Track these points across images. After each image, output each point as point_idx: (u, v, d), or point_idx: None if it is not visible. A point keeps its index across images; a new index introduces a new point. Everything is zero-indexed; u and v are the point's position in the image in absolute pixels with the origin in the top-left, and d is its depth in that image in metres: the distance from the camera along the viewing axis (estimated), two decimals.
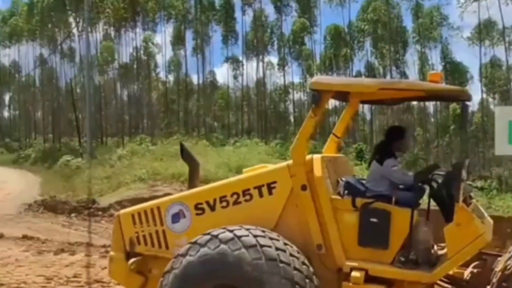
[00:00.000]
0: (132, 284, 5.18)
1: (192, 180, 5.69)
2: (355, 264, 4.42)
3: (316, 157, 4.77)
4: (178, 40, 55.99)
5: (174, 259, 4.49)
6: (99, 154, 29.97)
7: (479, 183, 27.24)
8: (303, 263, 4.35)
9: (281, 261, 4.19)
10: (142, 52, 56.35)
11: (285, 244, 4.37)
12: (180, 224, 4.99)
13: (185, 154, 5.90)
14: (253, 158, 20.58)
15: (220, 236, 4.32)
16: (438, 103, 53.56)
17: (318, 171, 4.65)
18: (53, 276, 7.87)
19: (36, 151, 44.43)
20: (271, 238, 4.35)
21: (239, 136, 44.74)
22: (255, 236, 4.30)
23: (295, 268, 4.23)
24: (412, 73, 53.08)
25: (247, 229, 4.39)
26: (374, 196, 4.61)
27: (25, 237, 11.36)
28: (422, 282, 4.40)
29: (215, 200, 4.88)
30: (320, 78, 5.36)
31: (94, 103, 40.27)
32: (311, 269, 4.38)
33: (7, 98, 68.20)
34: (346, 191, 4.69)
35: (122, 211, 5.49)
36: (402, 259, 4.43)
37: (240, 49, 56.25)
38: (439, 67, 50.98)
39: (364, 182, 4.97)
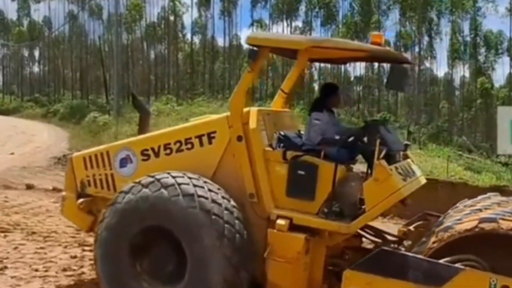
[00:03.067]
0: (82, 222, 5.58)
1: (142, 127, 5.87)
2: (281, 212, 4.59)
3: (253, 109, 4.90)
4: (204, 1, 55.27)
5: (118, 194, 4.77)
6: (125, 112, 30.19)
7: (502, 159, 26.83)
8: (223, 197, 4.58)
9: (199, 196, 4.46)
10: (169, 12, 55.85)
11: (205, 182, 4.64)
12: (127, 169, 5.25)
13: (137, 103, 6.12)
14: None
15: (162, 180, 4.58)
16: (466, 76, 52.33)
17: (253, 123, 4.79)
18: None
19: (65, 107, 44.98)
20: (210, 190, 4.58)
21: (263, 100, 44.51)
22: (194, 186, 4.53)
23: (213, 201, 4.48)
24: (444, 43, 51.86)
25: (190, 178, 4.62)
26: (305, 149, 4.72)
27: (55, 189, 11.55)
28: (341, 233, 4.52)
29: (159, 147, 5.10)
30: (256, 34, 5.42)
31: (121, 62, 40.26)
32: (236, 210, 4.58)
33: (37, 53, 68.79)
34: (281, 144, 4.81)
35: (75, 154, 5.79)
36: (325, 210, 4.55)
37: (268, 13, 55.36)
38: (468, 39, 49.61)
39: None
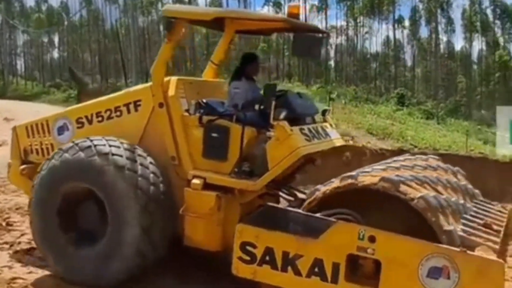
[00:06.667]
0: (26, 187, 5.85)
1: (81, 98, 6.02)
2: (196, 173, 4.95)
3: (174, 79, 5.27)
4: None
5: (57, 151, 5.16)
6: None
7: None
8: (153, 172, 4.89)
9: (128, 169, 4.78)
10: None
11: (140, 155, 4.95)
12: (65, 136, 5.62)
13: (75, 76, 6.28)
14: None
15: (98, 147, 4.92)
16: (483, 50, 51.21)
17: (172, 91, 5.17)
18: None
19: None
20: (141, 164, 4.88)
21: (279, 80, 44.20)
22: (127, 159, 4.85)
23: (142, 176, 4.79)
24: (458, 16, 50.70)
25: (125, 149, 4.92)
26: (220, 114, 5.04)
27: None
28: (248, 190, 4.84)
29: (92, 115, 5.51)
30: (171, 6, 5.62)
31: (139, 45, 40.18)
32: (162, 185, 4.92)
33: (56, 39, 69.13)
34: (201, 110, 5.14)
35: (18, 124, 6.16)
36: (236, 170, 4.89)
37: None
38: (488, 11, 48.40)
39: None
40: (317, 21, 55.87)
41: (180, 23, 5.15)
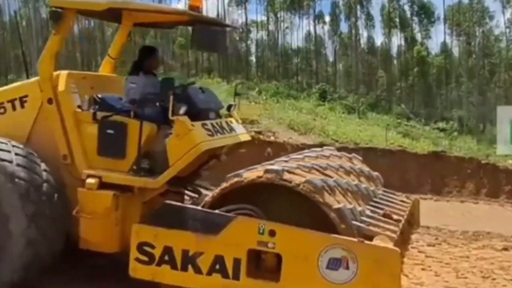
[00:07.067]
0: None
1: None
2: (91, 172, 4.90)
3: (63, 73, 5.20)
4: None
5: None
6: None
7: (440, 125, 28.00)
8: (32, 161, 4.82)
9: (2, 159, 4.67)
10: None
11: (14, 146, 4.85)
12: None
13: None
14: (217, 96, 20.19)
15: None
16: (402, 45, 53.88)
17: (62, 85, 5.09)
18: None
19: None
20: (17, 154, 4.77)
21: (199, 76, 44.00)
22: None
23: (18, 165, 4.68)
24: (377, 12, 53.04)
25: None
26: (116, 109, 5.05)
27: None
28: (148, 188, 4.85)
29: None
30: None
31: (42, 38, 38.38)
32: (45, 173, 4.83)
33: None
34: (96, 106, 5.15)
35: None
36: (135, 167, 4.89)
37: None
38: (406, 7, 51.03)
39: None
40: (237, 16, 56.33)
41: (70, 14, 5.05)
